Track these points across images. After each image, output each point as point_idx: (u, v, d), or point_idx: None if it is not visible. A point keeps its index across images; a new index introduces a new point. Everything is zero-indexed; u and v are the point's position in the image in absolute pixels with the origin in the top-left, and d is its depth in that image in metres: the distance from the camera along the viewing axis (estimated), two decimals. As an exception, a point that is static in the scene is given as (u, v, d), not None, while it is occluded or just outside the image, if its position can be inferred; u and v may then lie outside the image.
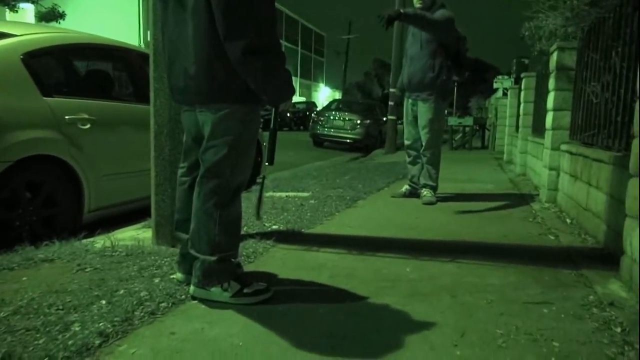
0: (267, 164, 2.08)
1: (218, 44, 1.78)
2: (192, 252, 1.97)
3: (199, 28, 1.81)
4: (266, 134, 2.10)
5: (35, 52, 2.98)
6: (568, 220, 3.69)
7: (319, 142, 14.12)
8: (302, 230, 3.22)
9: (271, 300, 2.00)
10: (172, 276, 2.19)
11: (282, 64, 1.87)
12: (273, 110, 2.02)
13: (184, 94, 1.96)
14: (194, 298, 1.98)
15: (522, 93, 7.09)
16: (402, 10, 4.04)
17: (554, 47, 4.41)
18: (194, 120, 2.00)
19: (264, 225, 3.27)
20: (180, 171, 2.16)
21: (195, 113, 1.97)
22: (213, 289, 1.96)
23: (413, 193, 4.65)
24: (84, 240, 2.78)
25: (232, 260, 2.02)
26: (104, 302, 1.88)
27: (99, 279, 2.16)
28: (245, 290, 1.98)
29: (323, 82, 57.43)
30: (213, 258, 1.93)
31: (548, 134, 4.50)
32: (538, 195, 4.90)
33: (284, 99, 1.97)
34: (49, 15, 20.10)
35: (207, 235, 1.93)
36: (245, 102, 1.90)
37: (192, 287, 1.99)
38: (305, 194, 4.58)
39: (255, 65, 1.80)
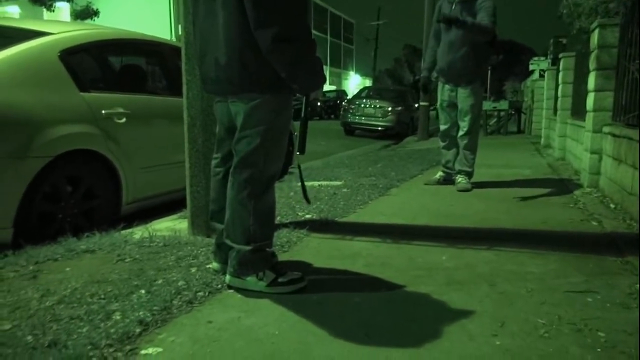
0: (298, 153, 2.07)
1: (249, 33, 1.77)
2: (228, 241, 1.99)
3: (230, 18, 1.81)
4: (297, 123, 2.08)
5: (72, 49, 3.05)
6: (612, 205, 3.55)
7: (350, 130, 14.04)
8: (336, 219, 3.21)
9: (306, 289, 2.00)
10: (208, 266, 2.22)
11: (312, 52, 1.85)
12: (304, 99, 2.00)
13: (216, 85, 1.97)
14: (229, 287, 2.01)
15: (561, 74, 6.84)
16: (459, 18, 4.05)
17: (595, 24, 4.22)
18: (226, 111, 2.01)
19: (297, 214, 3.28)
20: (214, 162, 2.18)
21: (227, 104, 1.98)
22: (249, 278, 1.97)
23: (447, 179, 4.57)
24: (122, 232, 2.85)
25: (267, 249, 2.03)
26: (143, 291, 1.93)
27: (138, 269, 2.21)
28: (280, 280, 1.99)
29: (353, 70, 56.91)
30: (248, 247, 1.94)
31: (589, 116, 4.32)
32: (579, 179, 4.73)
33: (315, 87, 1.94)
34: (84, 13, 20.67)
35: (242, 225, 1.94)
36: (277, 92, 1.89)
37: (227, 277, 2.02)
38: (338, 183, 4.56)
39: (285, 53, 1.78)
